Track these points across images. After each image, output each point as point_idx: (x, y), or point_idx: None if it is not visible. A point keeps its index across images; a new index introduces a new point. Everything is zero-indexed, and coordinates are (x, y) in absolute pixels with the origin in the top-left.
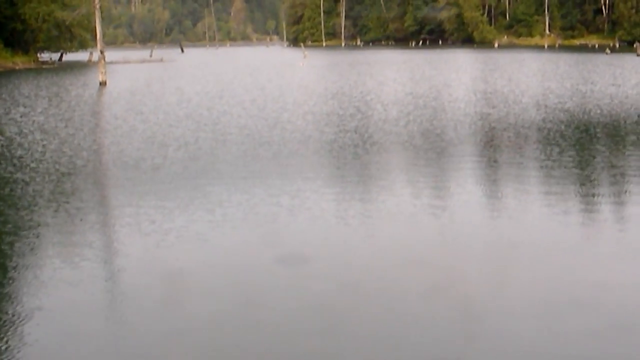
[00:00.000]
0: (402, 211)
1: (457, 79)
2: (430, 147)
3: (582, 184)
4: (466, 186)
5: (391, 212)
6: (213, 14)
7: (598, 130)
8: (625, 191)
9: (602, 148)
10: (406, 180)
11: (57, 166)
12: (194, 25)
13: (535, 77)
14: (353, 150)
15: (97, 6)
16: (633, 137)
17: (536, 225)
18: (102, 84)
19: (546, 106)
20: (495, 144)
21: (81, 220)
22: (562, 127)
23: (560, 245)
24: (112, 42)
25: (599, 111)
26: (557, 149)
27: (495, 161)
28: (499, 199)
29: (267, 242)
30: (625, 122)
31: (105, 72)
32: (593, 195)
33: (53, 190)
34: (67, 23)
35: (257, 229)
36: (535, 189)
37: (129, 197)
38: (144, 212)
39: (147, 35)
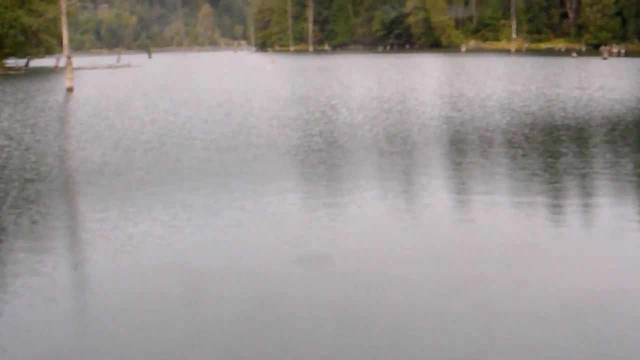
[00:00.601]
0: (365, 214)
1: (423, 83)
2: (395, 151)
3: (544, 186)
4: (429, 189)
5: (354, 215)
6: (181, 19)
7: (562, 132)
8: (587, 192)
9: (565, 150)
10: (370, 183)
11: (21, 172)
12: (162, 30)
13: (501, 81)
14: (318, 154)
15: (64, 12)
16: (596, 140)
17: (500, 226)
18: (69, 90)
19: (511, 109)
20: (460, 147)
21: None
22: (527, 130)
23: (525, 245)
24: (79, 47)
25: (563, 114)
26: (520, 152)
27: (459, 164)
28: (461, 201)
29: (229, 245)
30: (589, 124)
31: (72, 78)
32: (555, 197)
33: (17, 196)
34: (33, 29)
35: (220, 233)
36: (500, 191)
37: (93, 203)
38: (107, 217)
39: (115, 41)
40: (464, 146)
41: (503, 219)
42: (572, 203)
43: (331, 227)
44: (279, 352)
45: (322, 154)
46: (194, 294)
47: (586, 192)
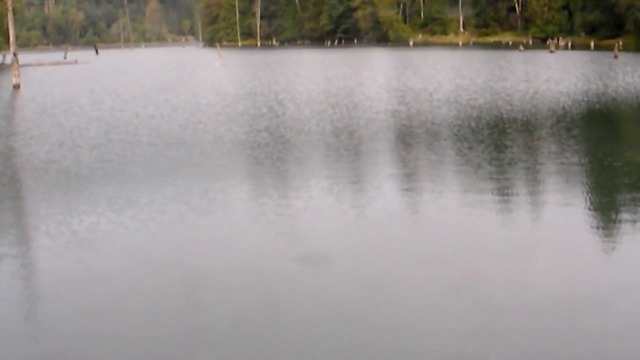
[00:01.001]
0: (311, 208)
1: (371, 78)
2: (341, 145)
3: (489, 179)
4: (375, 183)
5: (300, 209)
6: (128, 15)
7: (507, 125)
8: (530, 184)
9: (509, 143)
10: (316, 178)
11: None
12: (109, 26)
13: (447, 75)
14: (264, 149)
15: (10, 8)
16: (541, 132)
17: (444, 218)
18: (16, 87)
19: (457, 103)
20: (406, 141)
21: None
22: (472, 123)
23: (467, 237)
24: (25, 44)
25: (509, 107)
26: (466, 145)
27: (404, 157)
28: (406, 194)
29: (173, 241)
30: (535, 117)
31: (18, 75)
32: (499, 189)
33: None
34: None
35: (164, 229)
36: (445, 184)
37: (37, 200)
38: (53, 214)
39: (61, 37)
40: (410, 140)
41: (448, 212)
42: (516, 195)
43: (277, 221)
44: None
45: (268, 149)
46: (140, 288)
47: (529, 184)
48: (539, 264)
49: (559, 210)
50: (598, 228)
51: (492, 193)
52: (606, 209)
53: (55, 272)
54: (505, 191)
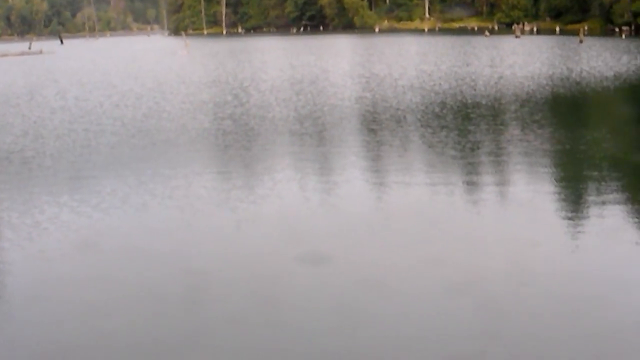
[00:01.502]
0: (274, 195)
1: (336, 65)
2: (306, 132)
3: (452, 163)
4: (338, 169)
5: (264, 196)
6: (92, 4)
7: (470, 111)
8: (493, 167)
9: (472, 128)
10: (280, 165)
11: None
12: (73, 16)
13: (412, 61)
14: (228, 137)
15: None
16: (505, 117)
17: (407, 202)
18: None
19: (422, 88)
20: (370, 127)
21: None
22: (437, 108)
23: (430, 219)
24: None
25: (473, 92)
26: (429, 130)
27: (367, 143)
28: (369, 179)
29: (135, 229)
30: (499, 102)
31: None
32: (462, 173)
33: None
34: None
35: (127, 218)
36: (408, 169)
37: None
38: (15, 203)
39: (26, 27)
40: (373, 126)
41: (410, 196)
42: (477, 178)
43: (239, 208)
44: None
45: (232, 136)
46: (101, 278)
47: (492, 167)
48: (500, 246)
49: (519, 192)
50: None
51: (452, 178)
52: (569, 191)
53: (17, 262)
54: (465, 176)
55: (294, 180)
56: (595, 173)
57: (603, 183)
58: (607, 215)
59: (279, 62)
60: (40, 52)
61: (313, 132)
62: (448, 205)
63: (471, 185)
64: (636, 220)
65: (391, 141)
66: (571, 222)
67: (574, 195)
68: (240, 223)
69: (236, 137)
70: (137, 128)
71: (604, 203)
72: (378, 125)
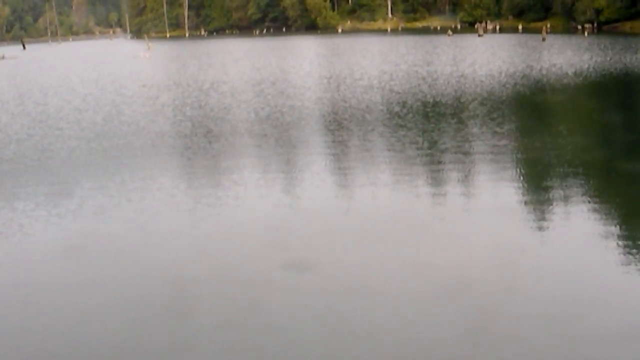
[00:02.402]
0: (232, 196)
1: (297, 66)
2: (265, 134)
3: (409, 162)
4: (296, 168)
5: (220, 197)
6: (54, 9)
7: (429, 109)
8: (450, 165)
9: (431, 127)
10: (238, 167)
11: None
12: (35, 20)
13: (374, 61)
14: (186, 139)
15: None
16: (464, 115)
17: (365, 200)
18: None
19: (381, 88)
20: (329, 128)
21: None
22: (396, 108)
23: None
24: None
25: (433, 91)
26: (388, 130)
27: (326, 143)
28: (327, 179)
29: (90, 233)
30: (458, 101)
31: None
32: (414, 172)
33: None
34: None
35: (83, 221)
36: (366, 168)
37: None
38: None
39: None
40: (332, 127)
41: (369, 194)
42: (433, 175)
43: (196, 209)
44: None
45: (191, 139)
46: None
47: (449, 166)
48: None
49: (477, 187)
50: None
51: (408, 176)
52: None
53: None
54: (422, 174)
55: (250, 181)
56: (561, 173)
57: (574, 183)
58: (585, 216)
59: (240, 64)
60: (2, 57)
61: (271, 134)
62: (418, 207)
63: (437, 185)
64: (616, 221)
65: (349, 141)
66: (539, 223)
67: (538, 195)
68: (196, 223)
69: (194, 140)
70: (96, 132)
71: (583, 203)
72: (336, 125)
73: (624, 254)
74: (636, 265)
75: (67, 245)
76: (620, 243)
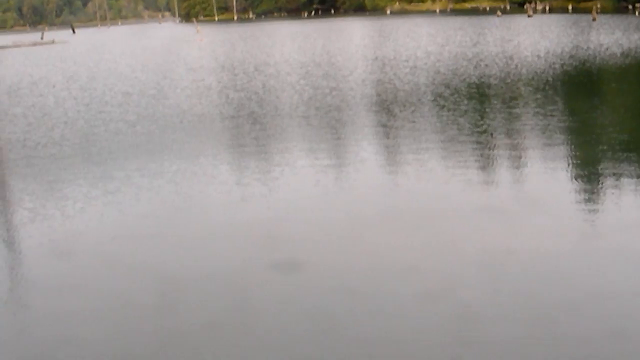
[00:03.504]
0: (285, 182)
1: (344, 48)
2: (307, 115)
3: (449, 141)
4: (342, 151)
5: (260, 180)
6: None
7: (473, 90)
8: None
9: (473, 107)
10: (284, 149)
11: None
12: (85, 5)
13: (421, 42)
14: (228, 121)
15: None
16: (508, 95)
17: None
18: None
19: (427, 70)
20: (369, 109)
21: None
22: (440, 89)
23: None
24: (1, 26)
25: (478, 72)
26: (431, 111)
27: (365, 124)
28: (374, 160)
29: (126, 216)
30: (503, 81)
31: None
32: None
33: None
34: None
35: (122, 205)
36: (414, 151)
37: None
38: (25, 190)
39: (38, 18)
40: (375, 108)
41: (421, 179)
42: (487, 159)
43: (237, 191)
44: None
45: (232, 121)
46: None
47: (505, 153)
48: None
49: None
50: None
51: (453, 154)
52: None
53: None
54: (470, 156)
55: (294, 166)
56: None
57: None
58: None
59: (287, 46)
60: (53, 42)
61: (313, 115)
62: (460, 189)
63: (476, 163)
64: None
65: (390, 123)
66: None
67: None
68: (245, 206)
69: (237, 122)
70: (140, 115)
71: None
72: (379, 107)
73: None
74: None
75: (106, 227)
76: None
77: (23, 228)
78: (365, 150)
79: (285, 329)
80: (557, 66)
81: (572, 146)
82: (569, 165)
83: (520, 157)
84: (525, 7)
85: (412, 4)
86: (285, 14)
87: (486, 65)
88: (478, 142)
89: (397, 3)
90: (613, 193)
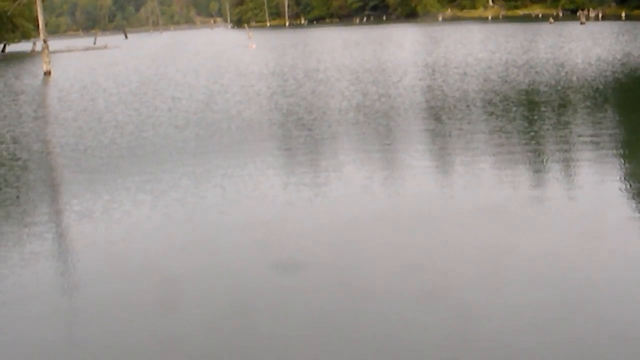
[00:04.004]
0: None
1: (394, 54)
2: (356, 122)
3: (495, 144)
4: (388, 158)
5: (306, 185)
6: None
7: (522, 97)
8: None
9: (521, 114)
10: (324, 155)
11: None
12: (137, 10)
13: (472, 49)
14: (276, 127)
15: None
16: (557, 103)
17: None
18: (47, 73)
19: (476, 77)
20: (417, 115)
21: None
22: (489, 95)
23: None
24: (54, 31)
25: (527, 79)
26: (479, 118)
27: (412, 130)
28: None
29: (169, 220)
30: (554, 88)
31: (49, 62)
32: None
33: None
34: (8, 14)
35: (166, 208)
36: (463, 155)
37: (68, 182)
38: (83, 195)
39: (90, 23)
40: (423, 114)
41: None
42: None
43: (283, 195)
44: None
45: (280, 127)
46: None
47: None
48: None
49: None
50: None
51: (505, 151)
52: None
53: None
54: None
55: (341, 171)
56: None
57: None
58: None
59: (337, 52)
60: (105, 47)
61: (362, 121)
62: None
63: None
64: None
65: (437, 130)
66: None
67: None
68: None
69: (285, 128)
70: (188, 120)
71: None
72: (427, 114)
73: None
74: None
75: (150, 229)
76: None
77: (69, 230)
78: (412, 156)
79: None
80: (608, 74)
81: (623, 156)
82: (621, 176)
83: (574, 166)
84: (577, 14)
85: (464, 10)
86: (337, 20)
87: (536, 72)
88: (528, 151)
89: (449, 10)
90: None
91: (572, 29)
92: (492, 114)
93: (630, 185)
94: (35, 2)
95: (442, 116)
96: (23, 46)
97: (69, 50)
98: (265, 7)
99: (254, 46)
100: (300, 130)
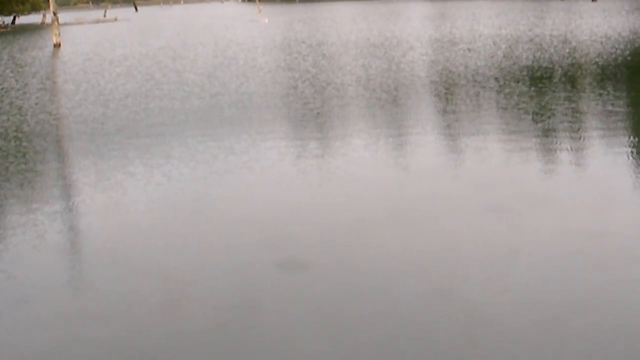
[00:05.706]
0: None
1: (403, 29)
2: (357, 95)
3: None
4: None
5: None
6: None
7: (525, 73)
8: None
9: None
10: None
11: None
12: None
13: (480, 25)
14: (274, 99)
15: None
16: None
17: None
18: (56, 45)
19: (483, 52)
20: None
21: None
22: (493, 71)
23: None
24: (64, 3)
25: (534, 55)
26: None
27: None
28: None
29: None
30: (558, 65)
31: (59, 34)
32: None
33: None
34: None
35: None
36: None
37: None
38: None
39: None
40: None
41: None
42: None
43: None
44: None
45: (279, 100)
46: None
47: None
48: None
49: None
50: None
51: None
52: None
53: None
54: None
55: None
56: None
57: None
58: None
59: (345, 27)
60: (115, 19)
61: (362, 95)
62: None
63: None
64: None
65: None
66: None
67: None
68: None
69: (285, 101)
70: (188, 92)
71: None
72: (430, 89)
73: None
74: None
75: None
76: None
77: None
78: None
79: None
80: (619, 51)
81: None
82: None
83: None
84: None
85: None
86: None
87: (544, 49)
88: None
89: None
90: None
91: (584, 5)
92: (496, 90)
93: None
94: None
95: (446, 91)
96: (33, 18)
97: (78, 23)
98: None
99: (266, 20)
100: (302, 104)
